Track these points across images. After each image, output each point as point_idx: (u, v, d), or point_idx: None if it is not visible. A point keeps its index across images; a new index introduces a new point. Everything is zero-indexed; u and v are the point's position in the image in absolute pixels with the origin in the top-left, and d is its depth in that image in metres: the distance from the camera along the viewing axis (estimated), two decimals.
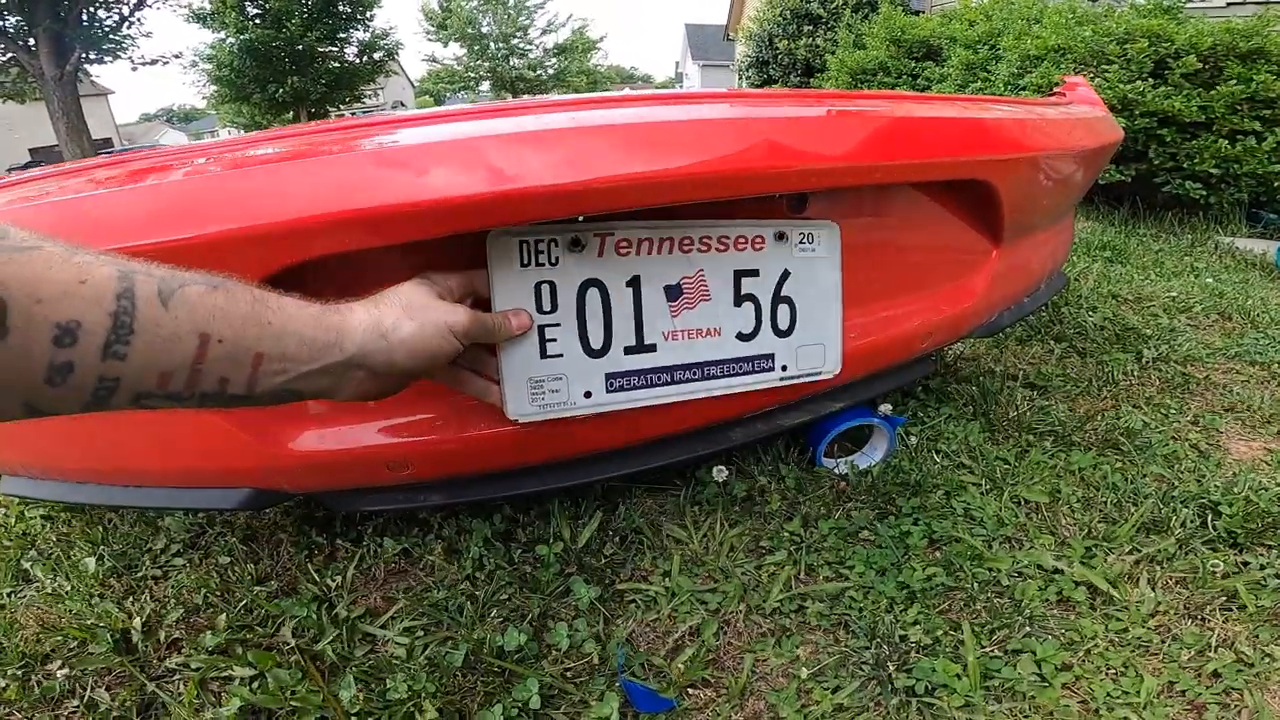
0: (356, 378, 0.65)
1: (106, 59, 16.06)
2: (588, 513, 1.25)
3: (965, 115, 1.18)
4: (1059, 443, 1.51)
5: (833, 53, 8.28)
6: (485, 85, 34.56)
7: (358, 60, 20.24)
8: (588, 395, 0.93)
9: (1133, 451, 1.47)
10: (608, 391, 0.94)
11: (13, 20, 14.39)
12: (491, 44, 32.18)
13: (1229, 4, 5.00)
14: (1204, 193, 3.53)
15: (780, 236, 1.01)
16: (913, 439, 1.51)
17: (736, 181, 0.89)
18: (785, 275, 1.00)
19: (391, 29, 20.63)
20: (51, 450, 1.05)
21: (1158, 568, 1.14)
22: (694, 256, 0.96)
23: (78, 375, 0.44)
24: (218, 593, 1.14)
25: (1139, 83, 3.59)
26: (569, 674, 0.98)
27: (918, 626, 1.03)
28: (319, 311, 0.61)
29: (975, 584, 1.09)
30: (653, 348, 0.91)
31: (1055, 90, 1.84)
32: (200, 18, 17.66)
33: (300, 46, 17.74)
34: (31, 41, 14.50)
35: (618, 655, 0.98)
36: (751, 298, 0.98)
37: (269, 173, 0.79)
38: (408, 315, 0.69)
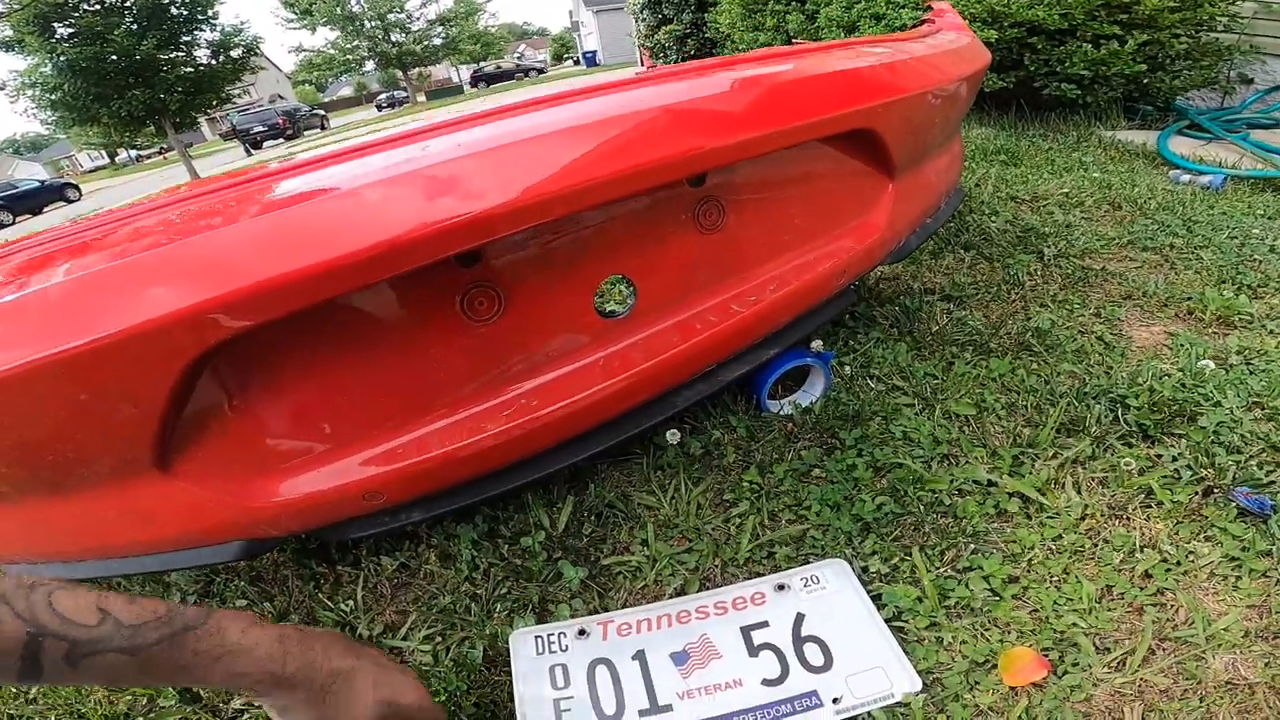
0: None
1: None
2: (561, 497, 1.32)
3: (840, 68, 1.24)
4: (979, 351, 1.62)
5: None
6: (370, 65, 33.24)
7: (213, 62, 18.89)
8: None
9: (1044, 352, 1.59)
10: None
11: None
12: (366, 23, 30.86)
13: None
14: (1079, 93, 3.71)
15: (780, 587, 1.08)
16: (847, 369, 1.62)
17: (615, 186, 0.95)
18: (800, 618, 1.03)
19: (244, 24, 19.10)
20: (41, 540, 1.07)
21: (1080, 469, 1.24)
22: (693, 625, 1.04)
23: None
24: None
25: None
26: None
27: (876, 556, 1.12)
28: None
29: (921, 507, 1.20)
30: (669, 708, 0.94)
31: (923, 19, 1.92)
32: (5, 45, 16.01)
33: (138, 57, 16.30)
34: None
35: None
36: (769, 646, 1.00)
37: None
38: None
